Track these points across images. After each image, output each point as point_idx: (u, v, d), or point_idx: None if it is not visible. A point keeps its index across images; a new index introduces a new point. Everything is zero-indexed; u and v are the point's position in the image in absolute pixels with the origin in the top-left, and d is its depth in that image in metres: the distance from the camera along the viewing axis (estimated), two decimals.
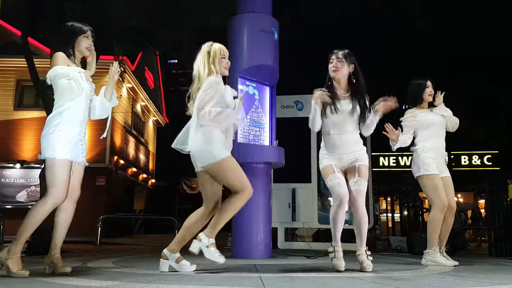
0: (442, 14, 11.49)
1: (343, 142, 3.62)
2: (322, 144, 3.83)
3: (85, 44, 3.44)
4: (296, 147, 7.79)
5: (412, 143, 4.65)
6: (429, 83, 4.64)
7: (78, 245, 8.44)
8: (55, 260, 3.25)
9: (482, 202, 13.88)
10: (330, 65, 3.67)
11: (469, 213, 13.19)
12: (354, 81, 3.68)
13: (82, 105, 3.36)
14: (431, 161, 4.44)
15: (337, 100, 3.59)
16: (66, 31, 3.42)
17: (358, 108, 3.61)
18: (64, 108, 3.26)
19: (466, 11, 10.59)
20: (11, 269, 3.01)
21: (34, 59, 7.11)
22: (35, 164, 15.34)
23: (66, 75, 3.19)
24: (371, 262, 3.56)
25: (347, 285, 2.64)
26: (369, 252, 3.65)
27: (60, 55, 3.26)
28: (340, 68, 3.62)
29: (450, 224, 4.50)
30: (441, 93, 4.68)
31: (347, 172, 3.64)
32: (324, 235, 8.15)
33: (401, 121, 4.69)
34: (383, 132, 4.40)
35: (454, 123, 4.65)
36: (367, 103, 3.67)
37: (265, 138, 5.90)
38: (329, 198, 8.21)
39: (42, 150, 3.33)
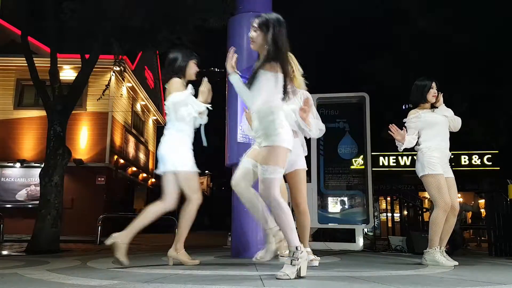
0: (442, 13, 11.50)
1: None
2: None
3: (194, 70, 4.07)
4: None
5: (416, 143, 4.64)
6: (434, 84, 4.62)
7: (78, 244, 8.44)
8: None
9: (482, 202, 13.90)
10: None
11: (469, 213, 13.20)
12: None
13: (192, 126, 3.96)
14: (436, 160, 4.42)
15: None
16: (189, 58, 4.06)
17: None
18: (182, 128, 3.88)
19: (467, 11, 10.59)
20: (183, 261, 3.83)
21: (34, 58, 7.11)
22: (35, 163, 15.35)
23: (185, 103, 3.76)
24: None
25: (347, 285, 2.64)
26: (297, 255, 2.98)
27: (176, 81, 3.87)
28: (255, 39, 3.09)
29: (452, 224, 4.49)
30: (441, 94, 4.68)
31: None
32: (324, 235, 8.15)
33: (405, 122, 4.68)
34: (389, 132, 4.40)
35: (456, 123, 4.64)
36: (262, 70, 2.98)
37: None
38: (329, 198, 8.23)
39: (174, 163, 3.82)
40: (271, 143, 2.89)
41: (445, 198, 4.34)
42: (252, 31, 3.12)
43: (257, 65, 3.04)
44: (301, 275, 2.82)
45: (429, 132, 4.55)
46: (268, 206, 2.97)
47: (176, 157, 3.82)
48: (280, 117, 2.94)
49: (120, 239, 3.52)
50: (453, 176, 4.58)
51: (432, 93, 4.61)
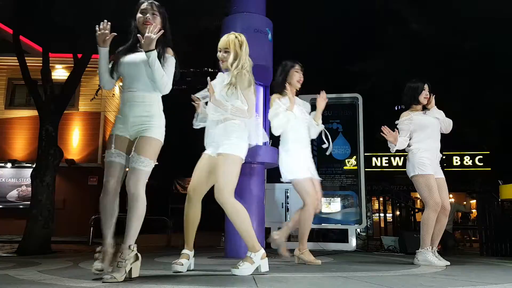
0: (433, 14, 11.54)
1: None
2: None
3: (296, 77, 4.38)
4: None
5: (408, 144, 4.67)
6: (426, 86, 4.66)
7: (70, 245, 8.40)
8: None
9: (473, 202, 13.99)
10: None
11: (459, 213, 13.29)
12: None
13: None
14: (426, 161, 4.45)
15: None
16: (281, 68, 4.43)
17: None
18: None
19: (458, 11, 10.64)
20: (307, 260, 4.07)
21: (25, 58, 7.07)
22: (26, 163, 15.24)
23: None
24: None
25: (340, 285, 2.64)
26: (127, 257, 2.73)
27: (273, 97, 4.35)
28: (152, 22, 3.01)
29: (444, 224, 4.52)
30: (433, 96, 4.70)
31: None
32: (317, 235, 8.16)
33: (397, 124, 4.70)
34: (381, 133, 4.42)
35: (448, 125, 4.67)
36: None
37: (259, 138, 5.89)
38: (322, 199, 8.23)
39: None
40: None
41: (435, 198, 4.37)
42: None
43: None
44: (132, 277, 2.68)
45: (421, 134, 4.57)
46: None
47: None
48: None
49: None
50: (443, 177, 4.61)
51: (424, 95, 4.64)
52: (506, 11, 8.44)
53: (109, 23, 2.96)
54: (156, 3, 3.10)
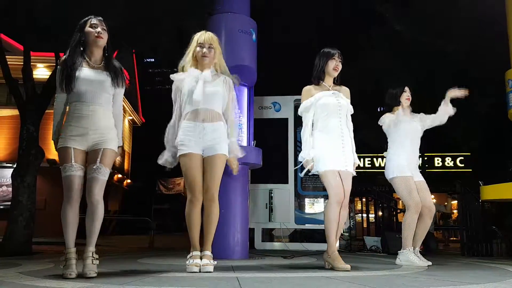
0: (418, 15, 11.67)
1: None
2: None
3: (332, 65, 3.97)
4: (273, 148, 7.82)
5: (386, 146, 4.74)
6: (406, 88, 4.74)
7: (52, 246, 8.28)
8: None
9: (454, 203, 14.16)
10: None
11: (438, 214, 13.46)
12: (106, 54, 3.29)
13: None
14: (404, 163, 4.52)
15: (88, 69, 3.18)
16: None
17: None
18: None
19: (442, 12, 10.77)
20: (334, 265, 3.64)
21: (6, 56, 6.95)
22: (7, 163, 15.00)
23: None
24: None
25: (323, 285, 2.66)
26: (96, 256, 3.05)
27: (304, 89, 4.03)
28: (103, 36, 3.19)
29: (428, 225, 4.59)
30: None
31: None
32: (301, 236, 8.20)
33: (381, 125, 4.75)
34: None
35: (438, 120, 4.75)
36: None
37: (243, 138, 5.90)
38: (306, 199, 8.26)
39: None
40: None
41: (415, 199, 4.44)
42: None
43: None
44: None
45: (401, 138, 4.63)
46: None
47: None
48: None
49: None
50: (423, 179, 4.68)
51: (406, 96, 4.72)
52: (488, 11, 8.56)
53: None
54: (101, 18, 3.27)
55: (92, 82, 3.10)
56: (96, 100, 3.10)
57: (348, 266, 3.57)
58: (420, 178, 4.65)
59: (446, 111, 4.71)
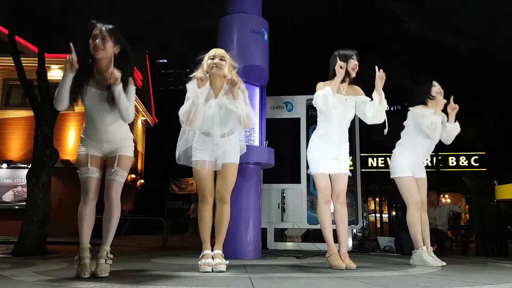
0: (428, 13, 11.55)
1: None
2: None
3: (351, 65, 4.01)
4: (285, 148, 7.81)
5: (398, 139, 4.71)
6: (434, 82, 4.60)
7: (66, 246, 8.36)
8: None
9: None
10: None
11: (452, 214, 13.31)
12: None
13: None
14: (407, 163, 4.53)
15: (95, 85, 3.13)
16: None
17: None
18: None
19: (454, 11, 10.65)
20: (330, 263, 3.80)
21: (21, 58, 7.04)
22: (22, 164, 15.18)
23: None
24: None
25: (335, 285, 2.65)
26: (110, 255, 3.13)
27: (318, 85, 3.96)
28: (102, 47, 3.06)
29: (426, 221, 4.59)
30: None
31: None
32: (313, 236, 8.17)
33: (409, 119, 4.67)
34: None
35: (450, 138, 4.67)
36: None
37: (255, 138, 5.90)
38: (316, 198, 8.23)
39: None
40: None
41: (415, 196, 4.48)
42: None
43: None
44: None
45: (419, 134, 4.55)
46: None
47: None
48: None
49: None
50: (425, 177, 4.67)
51: (436, 90, 4.56)
52: (506, 6, 8.43)
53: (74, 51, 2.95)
54: (109, 26, 3.12)
55: (96, 106, 3.10)
56: (105, 119, 3.11)
57: (343, 265, 3.68)
58: (422, 175, 4.63)
59: (455, 128, 4.67)
